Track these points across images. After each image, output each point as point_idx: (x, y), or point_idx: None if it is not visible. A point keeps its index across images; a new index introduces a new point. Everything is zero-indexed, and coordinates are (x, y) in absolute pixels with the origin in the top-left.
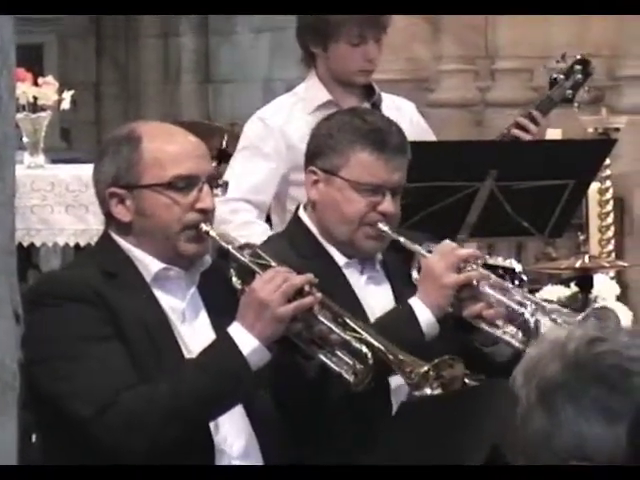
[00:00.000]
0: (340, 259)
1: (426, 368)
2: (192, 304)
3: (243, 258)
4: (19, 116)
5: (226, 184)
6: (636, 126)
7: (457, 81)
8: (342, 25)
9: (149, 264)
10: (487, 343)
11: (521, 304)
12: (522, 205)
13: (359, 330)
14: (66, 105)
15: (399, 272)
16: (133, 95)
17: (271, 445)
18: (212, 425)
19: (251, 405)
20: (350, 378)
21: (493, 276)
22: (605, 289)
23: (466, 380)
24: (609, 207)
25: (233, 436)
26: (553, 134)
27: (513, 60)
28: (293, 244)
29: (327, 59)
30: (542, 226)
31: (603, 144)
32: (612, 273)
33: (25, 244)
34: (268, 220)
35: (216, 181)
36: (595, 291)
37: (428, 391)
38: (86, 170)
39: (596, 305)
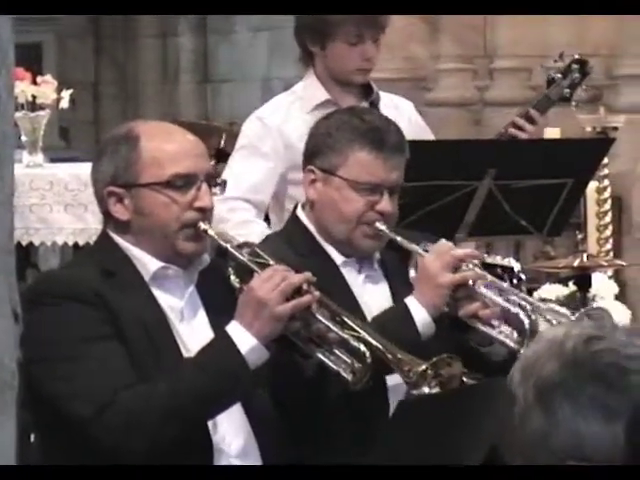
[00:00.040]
0: (338, 258)
1: (424, 367)
2: (190, 303)
3: (241, 257)
4: (18, 115)
5: (224, 183)
6: (634, 125)
7: (455, 80)
8: (340, 24)
9: (147, 263)
10: (483, 343)
11: (516, 304)
12: (520, 204)
13: (357, 329)
14: (65, 104)
15: (397, 271)
16: (132, 95)
17: (269, 444)
18: (210, 424)
19: (249, 404)
20: (348, 377)
21: (489, 276)
22: (603, 288)
23: (464, 379)
24: (607, 206)
25: (231, 435)
26: (552, 133)
27: (511, 59)
28: (291, 243)
29: (325, 58)
30: (540, 225)
31: (601, 143)
32: (610, 272)
33: (24, 243)
34: (267, 219)
35: (214, 180)
36: (593, 290)
37: (426, 390)
38: (85, 169)
39: (592, 305)
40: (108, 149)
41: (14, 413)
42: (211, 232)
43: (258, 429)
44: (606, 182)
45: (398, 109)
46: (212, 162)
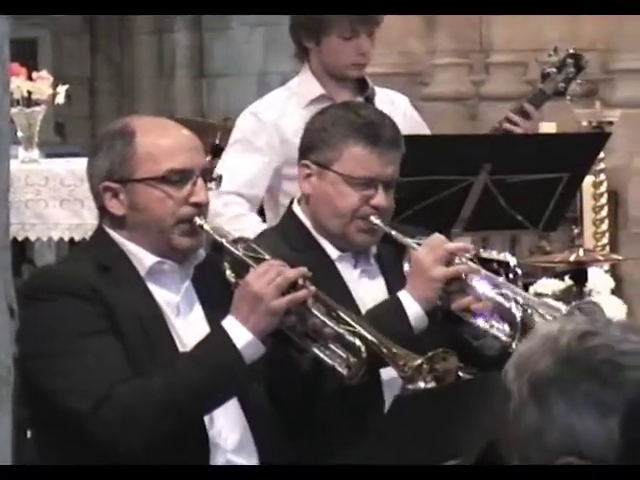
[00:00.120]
0: (333, 252)
1: (420, 361)
2: (186, 298)
3: (237, 252)
4: (13, 110)
5: (220, 178)
6: (630, 119)
7: (451, 75)
8: (334, 19)
9: (143, 258)
10: (476, 336)
11: (509, 298)
12: (516, 199)
13: (352, 323)
14: (60, 100)
15: (393, 266)
16: (127, 90)
17: (265, 439)
18: (207, 419)
19: (245, 398)
20: (343, 371)
21: (482, 270)
22: (599, 282)
23: (460, 373)
24: (603, 200)
25: (228, 430)
26: (547, 127)
27: (507, 54)
28: (286, 238)
29: (320, 53)
30: (536, 220)
31: (597, 137)
32: (606, 266)
33: (19, 239)
34: (262, 214)
35: (210, 175)
36: (589, 284)
37: (422, 384)
38: (80, 164)
39: (585, 299)
40: (104, 144)
41: (10, 409)
42: (207, 227)
43: (254, 424)
44: (602, 176)
45: (393, 104)
46: (208, 157)
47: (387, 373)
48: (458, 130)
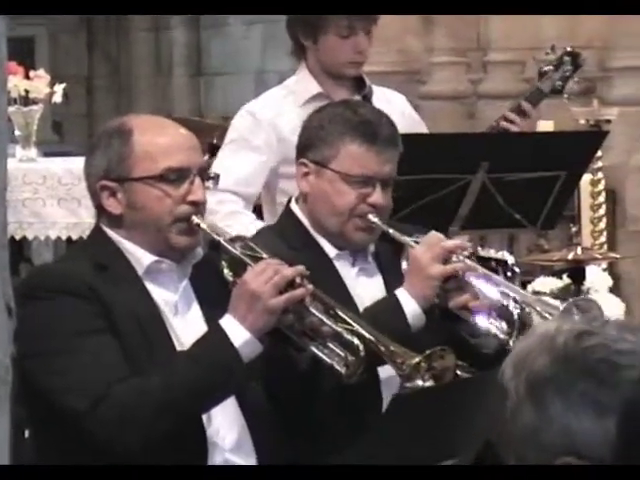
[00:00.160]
0: (331, 251)
1: (417, 359)
2: (184, 296)
3: (234, 250)
4: (11, 109)
5: (217, 176)
6: (627, 117)
7: (449, 73)
8: (332, 17)
9: (141, 257)
10: (473, 334)
11: (506, 296)
12: (514, 197)
13: (350, 322)
14: (58, 98)
15: (391, 264)
16: (125, 88)
17: (263, 437)
18: (205, 417)
19: (243, 397)
20: (342, 370)
21: (480, 267)
22: (597, 281)
23: (458, 372)
24: (601, 199)
25: (226, 428)
26: (545, 126)
27: (505, 52)
28: (284, 236)
29: (317, 51)
30: (534, 218)
31: (595, 136)
32: (604, 265)
33: (17, 237)
34: (259, 213)
35: (207, 173)
36: (587, 283)
37: (420, 382)
38: (78, 163)
39: (582, 296)
40: (101, 143)
41: (8, 408)
42: (204, 226)
43: (252, 422)
44: (600, 175)
45: (391, 103)
46: (206, 157)
47: (385, 371)
48: (456, 128)
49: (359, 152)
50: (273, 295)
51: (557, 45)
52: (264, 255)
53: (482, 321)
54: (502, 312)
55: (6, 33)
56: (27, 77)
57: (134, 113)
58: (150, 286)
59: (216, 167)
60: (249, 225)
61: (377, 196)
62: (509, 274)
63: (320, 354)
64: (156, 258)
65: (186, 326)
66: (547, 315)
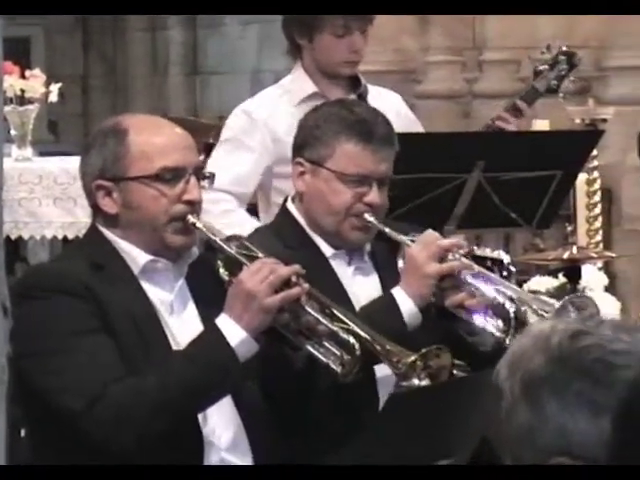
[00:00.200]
0: (327, 250)
1: (413, 358)
2: (180, 296)
3: (230, 250)
4: (6, 109)
5: (213, 176)
6: (623, 117)
7: (444, 72)
8: (327, 16)
9: (136, 256)
10: (470, 332)
11: (502, 294)
12: (510, 196)
13: (346, 321)
14: (54, 98)
15: (388, 263)
16: (121, 88)
17: (259, 437)
18: (200, 417)
19: (239, 397)
20: (337, 369)
21: (476, 266)
22: (593, 280)
23: (454, 371)
24: (597, 198)
25: (221, 428)
26: (541, 125)
27: (500, 51)
28: (280, 235)
29: (312, 50)
30: (530, 217)
31: (590, 135)
32: (600, 264)
33: (13, 237)
34: (255, 213)
35: (203, 173)
36: (583, 282)
37: (415, 381)
38: (74, 163)
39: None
40: (96, 142)
41: (4, 408)
42: (200, 225)
43: (248, 422)
44: (595, 174)
45: (386, 102)
46: (201, 156)
47: (382, 370)
48: (451, 128)
49: (355, 151)
50: (269, 294)
51: (553, 44)
52: (260, 254)
53: (478, 319)
54: (498, 310)
55: (2, 33)
56: (23, 77)
57: (130, 113)
58: (146, 285)
59: (210, 166)
60: (243, 224)
61: (373, 195)
62: (505, 273)
63: (316, 353)
64: (152, 257)
65: (182, 325)
66: (543, 313)
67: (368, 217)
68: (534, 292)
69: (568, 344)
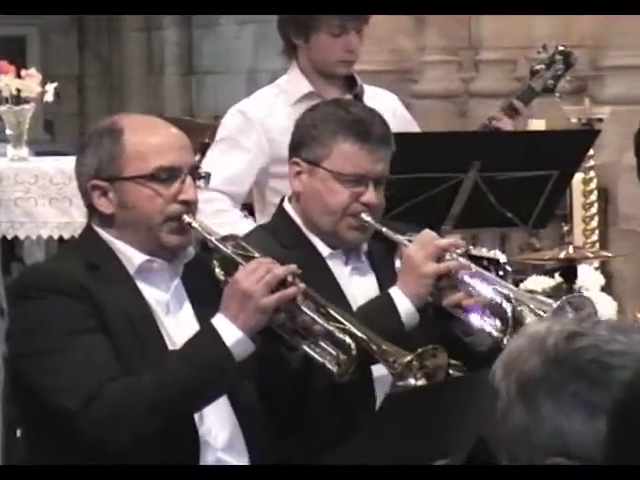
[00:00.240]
0: (324, 250)
1: (409, 358)
2: (176, 296)
3: (226, 249)
4: (2, 108)
5: (209, 175)
6: (619, 116)
7: (441, 72)
8: (323, 16)
9: (132, 256)
10: (467, 332)
11: (500, 293)
12: (506, 196)
13: (342, 320)
14: (49, 97)
15: (385, 263)
16: (116, 88)
17: (255, 436)
18: (197, 417)
19: (235, 396)
20: (334, 368)
21: (473, 266)
22: (589, 279)
23: (450, 371)
24: (593, 197)
25: (218, 427)
26: (537, 125)
27: (496, 51)
28: (276, 235)
29: (308, 50)
30: (526, 217)
31: (587, 135)
32: (596, 263)
33: (9, 237)
34: (252, 213)
35: (198, 172)
36: (579, 281)
37: (412, 381)
38: (70, 163)
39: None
40: (92, 142)
41: (0, 407)
42: (195, 225)
43: (244, 422)
44: (592, 173)
45: (382, 102)
46: (197, 156)
47: (378, 370)
48: (448, 127)
49: (352, 151)
50: (265, 294)
51: (549, 44)
52: (255, 254)
53: (476, 319)
54: (495, 310)
55: None
56: (18, 76)
57: (125, 112)
58: (142, 285)
59: (205, 165)
60: (237, 223)
61: (370, 195)
62: (501, 273)
63: (312, 353)
64: (147, 257)
65: (178, 325)
66: (540, 312)
67: (365, 217)
68: (530, 292)
69: (564, 345)
